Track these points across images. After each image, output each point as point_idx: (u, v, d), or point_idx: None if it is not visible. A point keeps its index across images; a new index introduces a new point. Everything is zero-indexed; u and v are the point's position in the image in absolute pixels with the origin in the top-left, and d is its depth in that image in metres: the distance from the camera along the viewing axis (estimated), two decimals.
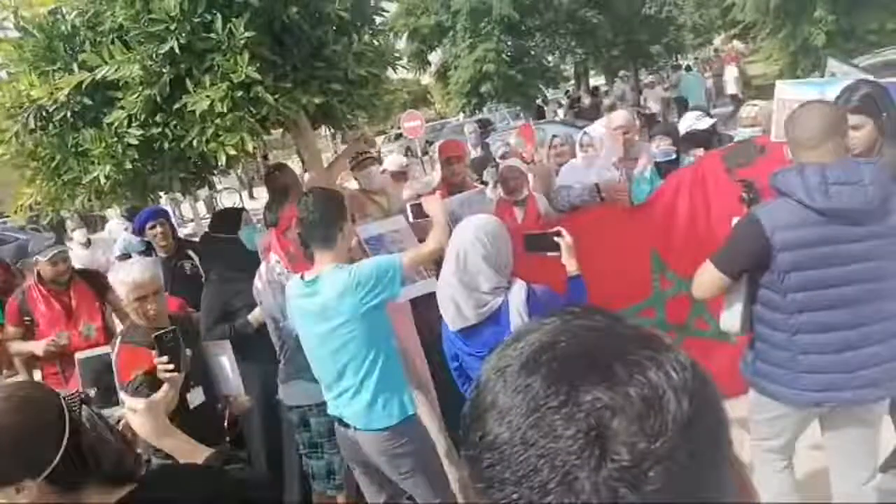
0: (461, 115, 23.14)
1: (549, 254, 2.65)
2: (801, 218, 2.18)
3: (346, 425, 2.65)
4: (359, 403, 2.55)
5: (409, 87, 35.42)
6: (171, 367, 2.38)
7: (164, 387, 2.13)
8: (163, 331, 2.47)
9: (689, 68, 20.53)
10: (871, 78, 3.26)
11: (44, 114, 2.99)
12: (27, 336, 3.91)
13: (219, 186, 18.69)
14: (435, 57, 25.38)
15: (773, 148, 3.09)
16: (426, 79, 30.01)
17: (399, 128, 17.94)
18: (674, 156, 4.08)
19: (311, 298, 2.56)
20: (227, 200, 18.56)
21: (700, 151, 4.20)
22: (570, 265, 2.59)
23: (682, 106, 13.00)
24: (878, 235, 2.18)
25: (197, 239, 6.46)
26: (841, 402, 2.35)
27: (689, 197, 3.40)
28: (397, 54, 3.58)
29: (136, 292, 2.72)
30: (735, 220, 2.53)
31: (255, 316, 3.27)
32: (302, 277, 2.64)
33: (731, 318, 2.52)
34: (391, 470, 2.63)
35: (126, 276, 2.73)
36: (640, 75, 25.97)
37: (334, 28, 2.99)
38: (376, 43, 3.33)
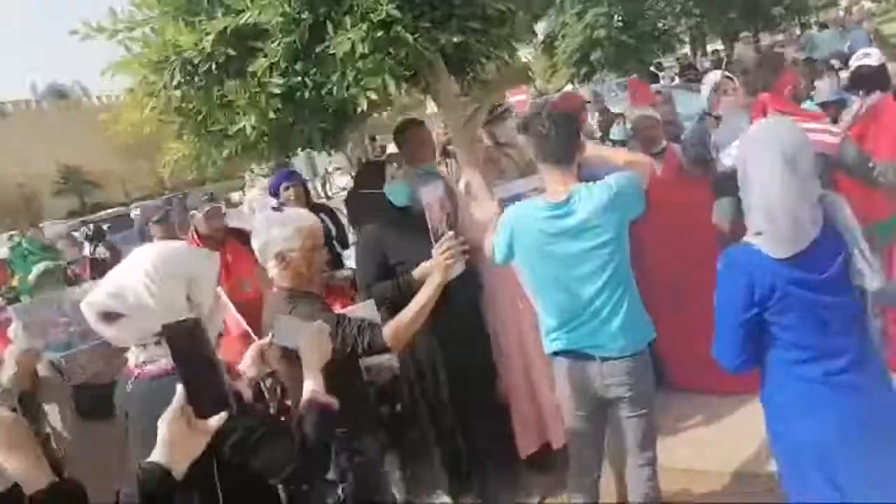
0: (569, 87, 22.47)
1: None
2: None
3: (588, 357, 2.48)
4: (612, 328, 2.41)
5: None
6: None
7: None
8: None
9: (823, 25, 18.85)
10: None
11: (189, 67, 3.05)
12: None
13: (329, 168, 19.28)
14: (540, 28, 24.77)
15: None
16: (525, 56, 29.37)
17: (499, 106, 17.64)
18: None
19: (564, 220, 2.39)
20: (339, 181, 19.10)
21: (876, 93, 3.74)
22: None
23: (813, 68, 11.89)
24: None
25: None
26: None
27: None
28: None
29: (311, 240, 2.36)
30: None
31: (421, 272, 2.91)
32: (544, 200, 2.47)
33: None
34: (630, 405, 2.49)
35: (301, 222, 2.38)
36: (761, 38, 24.20)
37: None
38: None
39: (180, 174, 3.82)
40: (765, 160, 1.82)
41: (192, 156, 3.26)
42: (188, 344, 1.21)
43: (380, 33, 2.64)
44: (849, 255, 1.81)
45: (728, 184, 2.74)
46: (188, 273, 1.55)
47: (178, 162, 3.35)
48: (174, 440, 1.21)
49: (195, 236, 4.11)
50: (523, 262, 2.55)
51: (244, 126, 2.89)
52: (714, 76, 4.68)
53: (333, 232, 4.20)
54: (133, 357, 1.59)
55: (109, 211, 21.10)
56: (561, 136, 2.42)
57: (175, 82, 3.06)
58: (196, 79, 3.05)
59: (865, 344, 1.86)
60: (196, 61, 2.96)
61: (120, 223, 14.76)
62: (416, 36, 2.70)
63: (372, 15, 2.62)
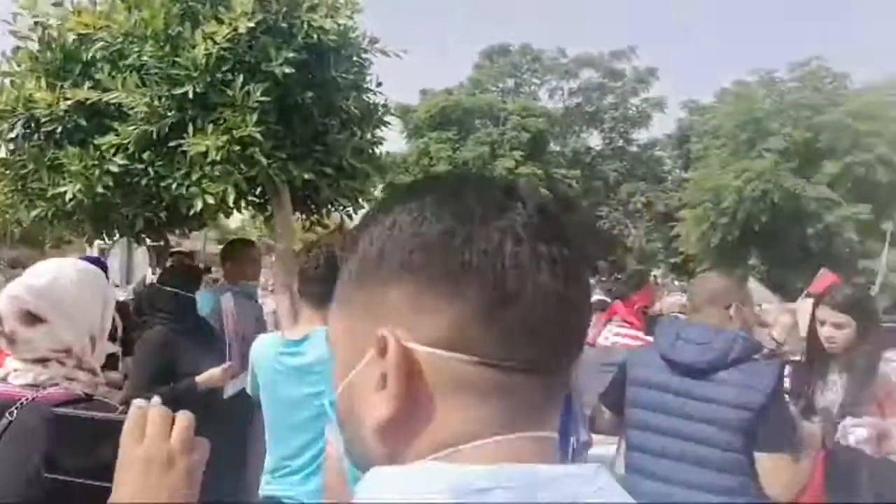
0: None
1: None
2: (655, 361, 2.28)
3: None
4: (312, 486, 2.28)
5: None
6: None
7: None
8: None
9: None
10: None
11: (32, 125, 2.99)
12: None
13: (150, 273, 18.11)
14: None
15: None
16: None
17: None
18: None
19: (294, 358, 2.32)
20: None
21: None
22: None
23: None
24: (701, 398, 2.18)
25: None
26: None
27: None
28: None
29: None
30: None
31: (206, 378, 2.81)
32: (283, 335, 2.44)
33: None
34: None
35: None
36: None
37: (341, 121, 3.17)
38: (372, 151, 3.52)
39: None
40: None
41: (2, 205, 3.06)
42: None
43: (237, 148, 2.78)
44: None
45: None
46: (104, 291, 1.44)
47: None
48: None
49: None
50: (261, 395, 2.46)
51: (65, 192, 2.81)
52: None
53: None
54: (25, 376, 1.30)
55: None
56: (322, 278, 2.31)
57: (13, 134, 2.97)
58: (36, 136, 2.98)
59: None
60: (43, 120, 2.92)
61: None
62: (270, 161, 2.87)
63: (235, 131, 2.78)
